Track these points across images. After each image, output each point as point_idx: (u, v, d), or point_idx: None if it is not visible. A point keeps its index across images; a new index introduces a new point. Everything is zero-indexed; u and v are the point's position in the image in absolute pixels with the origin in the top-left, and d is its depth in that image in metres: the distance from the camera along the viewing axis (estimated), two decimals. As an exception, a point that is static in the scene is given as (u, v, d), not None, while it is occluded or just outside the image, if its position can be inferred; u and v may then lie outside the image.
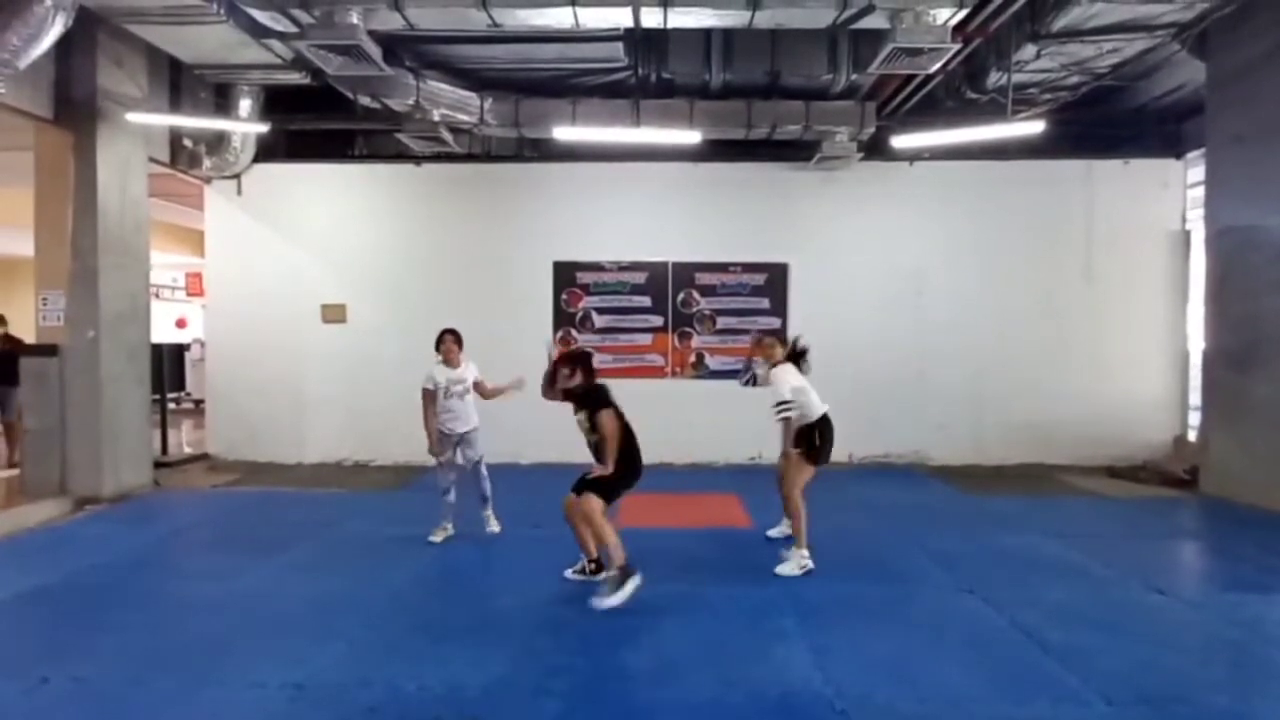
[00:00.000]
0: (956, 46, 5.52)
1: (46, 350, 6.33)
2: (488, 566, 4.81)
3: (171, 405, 9.74)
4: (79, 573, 4.60)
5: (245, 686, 3.14)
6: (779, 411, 4.55)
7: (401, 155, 8.34)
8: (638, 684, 3.18)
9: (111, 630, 3.71)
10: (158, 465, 7.39)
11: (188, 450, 8.75)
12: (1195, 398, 7.61)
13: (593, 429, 4.14)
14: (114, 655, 3.44)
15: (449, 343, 5.20)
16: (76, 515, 6.05)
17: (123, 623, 3.80)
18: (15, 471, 6.87)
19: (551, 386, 4.33)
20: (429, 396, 5.14)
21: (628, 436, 4.16)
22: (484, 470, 5.38)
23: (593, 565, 4.34)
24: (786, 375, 4.66)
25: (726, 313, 8.31)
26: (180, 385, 12.36)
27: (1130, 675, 3.22)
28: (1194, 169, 7.82)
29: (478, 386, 5.28)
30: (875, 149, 7.82)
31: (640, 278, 8.31)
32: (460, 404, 5.21)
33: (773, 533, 5.27)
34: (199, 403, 11.29)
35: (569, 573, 4.45)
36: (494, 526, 5.42)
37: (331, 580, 4.48)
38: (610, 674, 3.27)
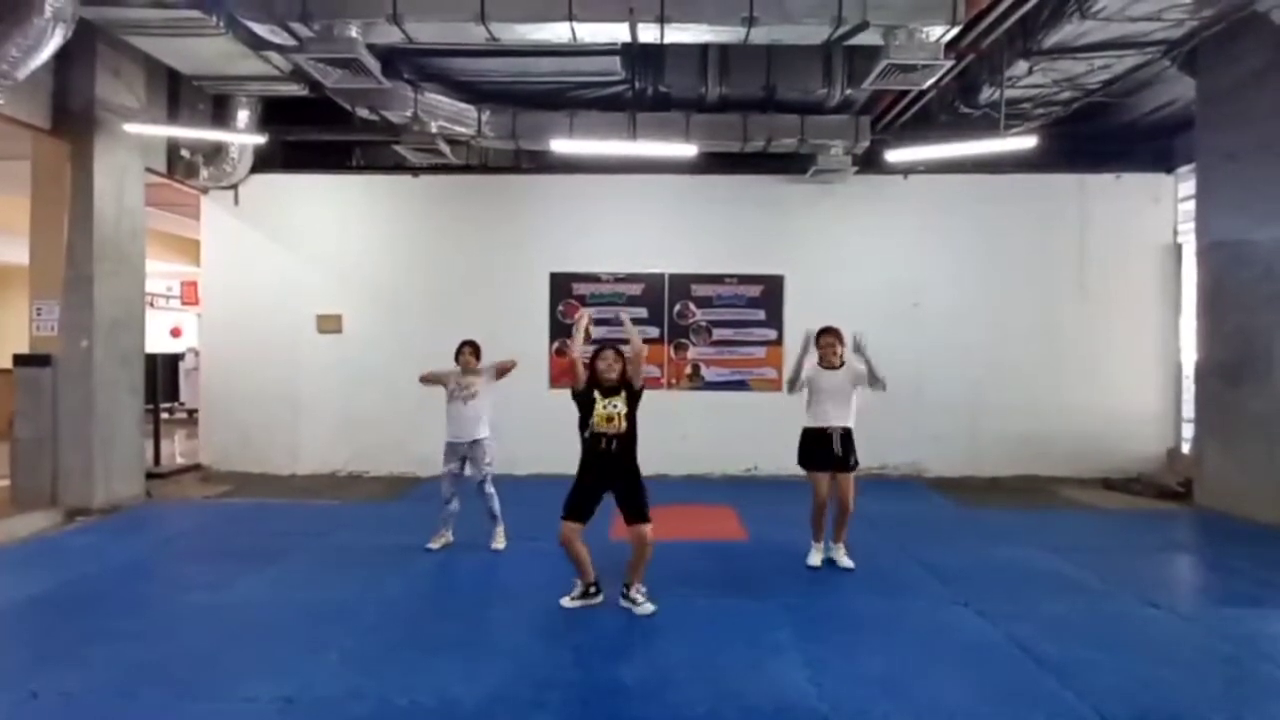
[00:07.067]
0: (949, 63, 5.59)
1: (40, 360, 6.29)
2: (482, 578, 4.78)
3: (165, 415, 9.68)
4: (69, 584, 4.56)
5: (235, 699, 3.11)
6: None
7: (399, 166, 8.36)
8: (632, 698, 3.15)
9: (101, 642, 3.67)
10: (150, 476, 7.33)
11: (180, 461, 8.68)
12: (1189, 410, 7.65)
13: (629, 415, 4.09)
14: (104, 667, 3.40)
15: (467, 354, 5.26)
16: (67, 526, 6.00)
17: (113, 635, 3.76)
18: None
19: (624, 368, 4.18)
20: (433, 375, 5.32)
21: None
22: (490, 489, 5.24)
23: (594, 587, 4.23)
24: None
25: (722, 324, 8.33)
26: (174, 395, 12.27)
27: (1126, 691, 3.21)
28: (1185, 183, 7.90)
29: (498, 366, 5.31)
30: (870, 162, 7.88)
31: (636, 289, 8.33)
32: (466, 409, 5.19)
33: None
34: (192, 413, 11.23)
35: (568, 602, 4.20)
36: (499, 543, 5.28)
37: (323, 592, 4.45)
38: (604, 688, 3.25)
